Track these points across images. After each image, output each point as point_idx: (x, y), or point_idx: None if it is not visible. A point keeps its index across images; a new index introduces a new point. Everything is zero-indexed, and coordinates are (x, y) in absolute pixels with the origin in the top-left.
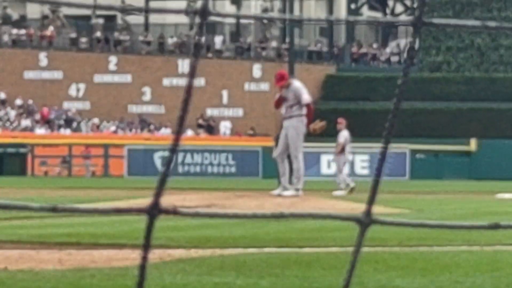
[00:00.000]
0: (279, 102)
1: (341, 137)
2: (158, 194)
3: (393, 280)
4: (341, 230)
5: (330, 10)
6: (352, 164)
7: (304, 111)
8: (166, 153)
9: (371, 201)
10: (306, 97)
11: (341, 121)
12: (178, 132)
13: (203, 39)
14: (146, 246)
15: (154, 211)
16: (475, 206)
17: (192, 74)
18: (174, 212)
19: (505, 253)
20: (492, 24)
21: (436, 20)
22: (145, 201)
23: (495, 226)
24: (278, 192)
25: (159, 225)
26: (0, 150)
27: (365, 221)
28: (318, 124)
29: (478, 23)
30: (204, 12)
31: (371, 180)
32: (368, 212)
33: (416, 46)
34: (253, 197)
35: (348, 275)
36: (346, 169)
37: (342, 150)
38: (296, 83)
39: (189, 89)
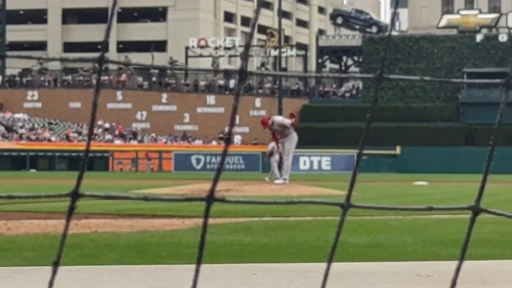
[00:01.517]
0: (274, 137)
1: (269, 145)
2: (212, 188)
3: (347, 238)
4: (314, 206)
5: (305, 63)
6: (319, 163)
7: (291, 131)
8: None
9: (350, 191)
10: (287, 121)
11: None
12: (226, 144)
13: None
14: (205, 225)
15: (210, 199)
16: (399, 189)
17: (234, 111)
18: (223, 200)
19: (420, 220)
20: (426, 78)
21: (392, 76)
22: (186, 187)
23: (430, 208)
24: (268, 178)
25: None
26: (91, 155)
27: (346, 205)
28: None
29: (418, 78)
30: (242, 72)
31: (350, 175)
32: (348, 198)
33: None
34: (255, 184)
35: (334, 243)
36: (275, 167)
37: (271, 154)
38: (276, 119)
39: (232, 120)
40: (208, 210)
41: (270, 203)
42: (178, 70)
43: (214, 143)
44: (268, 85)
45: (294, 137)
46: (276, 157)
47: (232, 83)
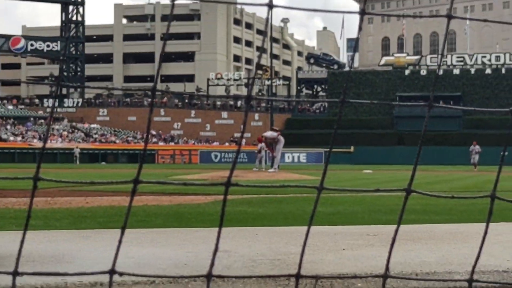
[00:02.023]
0: (270, 148)
1: (258, 146)
2: (229, 176)
3: (318, 208)
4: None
5: (288, 90)
6: (298, 157)
7: (279, 137)
8: (217, 153)
9: (322, 178)
10: (275, 134)
11: (260, 139)
12: (239, 145)
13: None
14: (224, 202)
15: (228, 184)
16: (353, 175)
17: (244, 125)
18: (237, 184)
19: (366, 196)
20: (374, 101)
21: (352, 100)
22: (208, 174)
23: (377, 190)
24: (270, 170)
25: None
26: (142, 152)
27: (320, 188)
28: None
29: (368, 101)
30: (248, 98)
31: (321, 166)
32: (321, 183)
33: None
34: (255, 173)
35: (312, 213)
36: (262, 162)
37: (260, 151)
38: (267, 134)
39: (242, 132)
40: (226, 192)
41: (269, 186)
42: (202, 96)
43: (227, 144)
44: (263, 104)
45: (282, 140)
46: (262, 153)
47: (239, 103)
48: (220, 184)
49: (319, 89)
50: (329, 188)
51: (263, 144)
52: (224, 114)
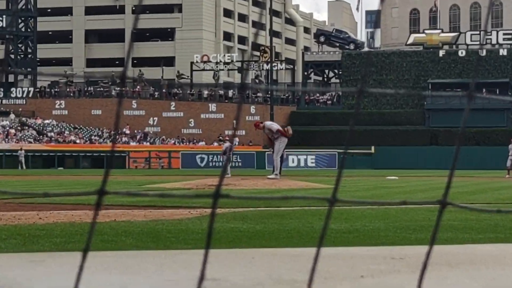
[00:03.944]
0: (269, 139)
1: (224, 146)
2: (218, 185)
3: (329, 224)
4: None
5: (293, 76)
6: (306, 161)
7: (279, 135)
8: (203, 155)
9: (335, 188)
10: (275, 127)
11: (227, 138)
12: (231, 145)
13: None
14: (212, 219)
15: (217, 195)
16: (374, 183)
17: (237, 120)
18: (228, 196)
19: (391, 209)
20: (400, 91)
21: (373, 90)
22: (192, 182)
23: (404, 203)
24: (270, 177)
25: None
26: (109, 155)
27: (333, 200)
28: (289, 130)
29: (392, 91)
30: (243, 87)
31: (334, 171)
32: (334, 195)
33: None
34: (251, 179)
35: (322, 232)
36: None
37: (225, 153)
38: (267, 123)
39: (235, 128)
40: (215, 205)
41: (269, 198)
42: (184, 84)
43: (215, 144)
44: (261, 94)
45: (283, 140)
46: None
47: (230, 93)
48: (207, 195)
49: (331, 74)
50: (344, 200)
51: (228, 144)
52: (212, 107)
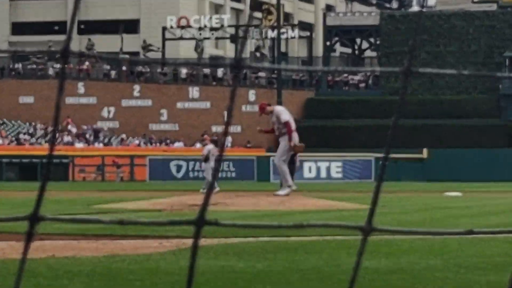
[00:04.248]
0: (271, 130)
1: (205, 149)
2: (203, 208)
3: (363, 262)
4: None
5: (310, 47)
6: (328, 170)
7: (293, 126)
8: (181, 162)
9: (371, 212)
10: (284, 117)
11: (206, 138)
12: (222, 147)
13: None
14: (194, 251)
15: (200, 223)
16: (427, 202)
17: (229, 116)
18: (216, 223)
19: (452, 240)
20: (465, 72)
21: (421, 70)
22: (165, 201)
23: (470, 232)
24: (280, 192)
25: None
26: (46, 161)
27: (367, 229)
28: (299, 145)
29: (454, 72)
30: (238, 64)
31: (368, 185)
32: (369, 221)
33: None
34: (250, 197)
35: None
36: (209, 176)
37: (206, 159)
38: (278, 108)
39: (226, 128)
40: (198, 234)
41: (273, 227)
42: (153, 61)
43: (198, 145)
44: (264, 74)
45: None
46: (211, 163)
47: (220, 72)
48: (187, 221)
49: (364, 45)
50: (384, 229)
51: (210, 147)
52: (194, 92)
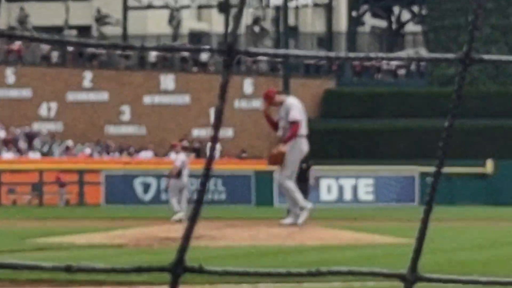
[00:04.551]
0: (275, 124)
1: (178, 160)
2: (183, 249)
3: None
4: (342, 263)
5: (329, 18)
6: (354, 189)
7: (303, 130)
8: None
9: (416, 255)
10: (294, 115)
11: (176, 144)
12: (210, 159)
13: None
14: None
15: (178, 269)
16: (493, 235)
17: (218, 117)
18: (200, 270)
19: None
20: None
21: (486, 56)
22: (126, 232)
23: None
24: (288, 221)
25: (148, 260)
26: None
27: (410, 279)
28: (278, 153)
29: None
30: (230, 50)
31: (417, 225)
32: (413, 268)
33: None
34: (246, 227)
35: None
36: (184, 196)
37: (178, 174)
38: (290, 100)
39: (215, 136)
40: (175, 284)
41: (279, 274)
42: (110, 46)
43: (173, 156)
44: (265, 59)
45: (300, 144)
46: (184, 179)
47: (205, 56)
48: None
49: (405, 16)
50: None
51: (182, 158)
52: (167, 81)
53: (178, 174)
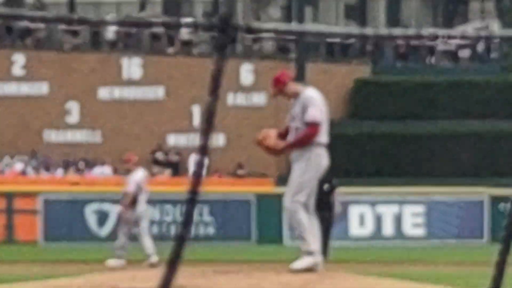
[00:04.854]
0: (283, 134)
1: (132, 183)
2: None
3: None
4: None
5: None
6: (398, 220)
7: (323, 138)
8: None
9: None
10: (313, 113)
11: (129, 158)
12: (198, 177)
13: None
14: None
15: None
16: None
17: (209, 119)
18: None
19: None
20: None
21: None
22: (71, 283)
23: None
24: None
25: None
26: None
27: None
28: (278, 147)
29: None
30: (226, 26)
31: (488, 270)
32: None
33: None
34: (243, 274)
35: None
36: (144, 231)
37: (133, 202)
38: (309, 93)
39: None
40: None
41: None
42: (56, 20)
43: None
44: (271, 35)
45: (317, 156)
46: (139, 208)
47: (184, 33)
48: None
49: None
50: None
51: (141, 175)
52: (132, 67)
53: (133, 202)
